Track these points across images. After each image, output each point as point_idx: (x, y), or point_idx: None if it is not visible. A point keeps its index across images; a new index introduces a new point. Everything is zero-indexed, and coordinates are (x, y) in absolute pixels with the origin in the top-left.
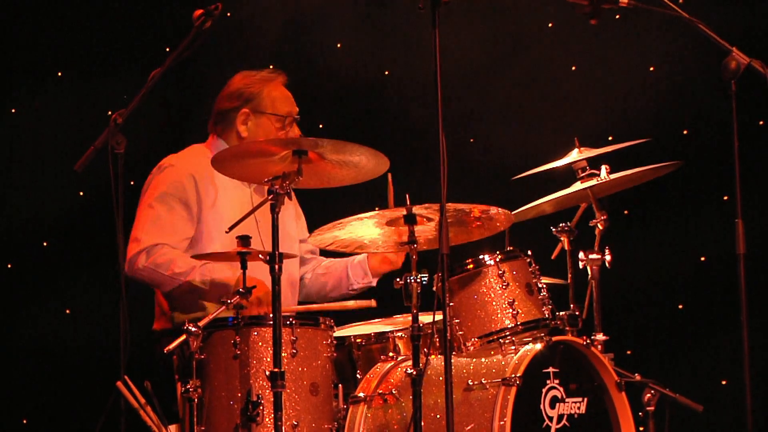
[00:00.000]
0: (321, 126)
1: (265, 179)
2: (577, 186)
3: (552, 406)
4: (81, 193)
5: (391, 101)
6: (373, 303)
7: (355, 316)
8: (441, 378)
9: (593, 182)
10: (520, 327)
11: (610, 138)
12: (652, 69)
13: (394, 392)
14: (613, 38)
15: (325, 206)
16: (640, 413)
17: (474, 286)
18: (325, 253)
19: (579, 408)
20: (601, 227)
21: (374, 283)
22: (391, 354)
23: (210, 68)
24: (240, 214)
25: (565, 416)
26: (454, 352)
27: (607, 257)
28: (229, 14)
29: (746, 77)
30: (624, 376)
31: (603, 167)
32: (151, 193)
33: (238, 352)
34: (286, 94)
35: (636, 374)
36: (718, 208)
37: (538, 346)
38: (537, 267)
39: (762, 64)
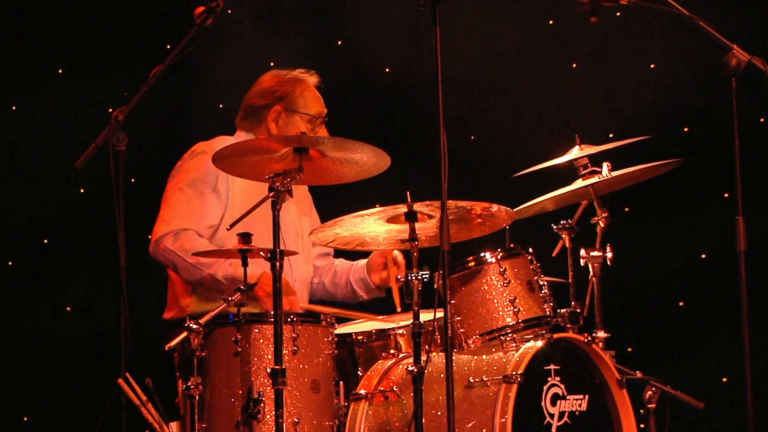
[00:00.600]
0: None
1: (266, 176)
2: (579, 183)
3: (553, 404)
4: (82, 191)
5: (391, 98)
6: (378, 318)
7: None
8: (442, 375)
9: (594, 180)
10: (521, 324)
11: (611, 135)
12: (652, 66)
13: (395, 389)
14: (614, 36)
15: (326, 203)
16: (641, 410)
17: (475, 283)
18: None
19: (580, 405)
20: (602, 224)
21: (383, 294)
22: (392, 351)
23: (211, 66)
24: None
25: (566, 413)
26: (455, 350)
27: (609, 254)
28: (230, 11)
29: (747, 74)
30: (625, 373)
31: (604, 164)
32: (183, 177)
33: (239, 349)
34: (317, 95)
35: (637, 371)
36: (719, 206)
37: (540, 343)
38: (538, 264)
39: (762, 62)
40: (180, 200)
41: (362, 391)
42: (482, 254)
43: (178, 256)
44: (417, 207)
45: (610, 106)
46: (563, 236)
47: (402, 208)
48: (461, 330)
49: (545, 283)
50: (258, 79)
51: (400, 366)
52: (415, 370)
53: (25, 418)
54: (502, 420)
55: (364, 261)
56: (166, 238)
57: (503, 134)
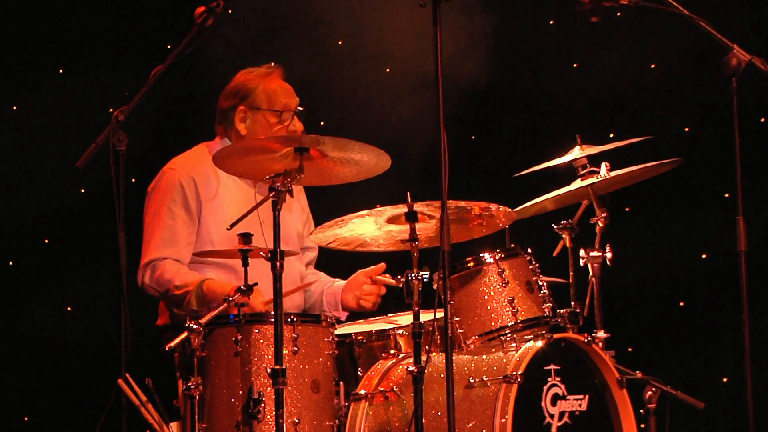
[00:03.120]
0: (322, 123)
1: (267, 176)
2: (578, 183)
3: (553, 404)
4: (82, 190)
5: (392, 98)
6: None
7: (358, 314)
8: (442, 375)
9: (593, 180)
10: (520, 325)
11: (611, 135)
12: (653, 66)
13: (395, 389)
14: (615, 36)
15: (327, 204)
16: (642, 410)
17: (474, 284)
18: (325, 253)
19: (580, 405)
20: (601, 225)
21: (343, 318)
22: (392, 351)
23: (212, 65)
24: (243, 212)
25: (567, 413)
26: (455, 350)
27: (608, 254)
28: (230, 11)
29: (747, 74)
30: (625, 373)
31: (603, 165)
32: (154, 200)
33: (240, 349)
34: (283, 87)
35: (637, 371)
36: (720, 206)
37: (540, 343)
38: (537, 265)
39: (763, 62)
40: (155, 227)
41: (362, 392)
42: (481, 255)
43: (154, 289)
44: (417, 207)
45: (610, 106)
46: (564, 236)
47: (402, 209)
48: (460, 330)
49: (544, 284)
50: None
51: (400, 366)
52: (415, 370)
53: (26, 418)
54: (502, 420)
55: (342, 282)
56: (146, 272)
57: (503, 134)
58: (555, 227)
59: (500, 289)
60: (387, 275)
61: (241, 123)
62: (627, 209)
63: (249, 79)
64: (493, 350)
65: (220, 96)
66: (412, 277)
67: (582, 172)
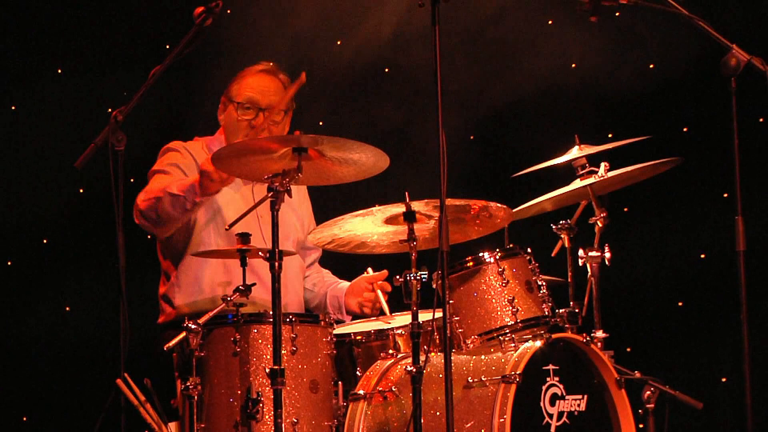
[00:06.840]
0: (321, 123)
1: (265, 176)
2: (577, 183)
3: (552, 404)
4: (81, 190)
5: (390, 98)
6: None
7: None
8: (441, 375)
9: (592, 180)
10: (520, 324)
11: (610, 135)
12: (652, 66)
13: (393, 389)
14: (613, 35)
15: (325, 204)
16: (640, 410)
17: (474, 283)
18: (326, 254)
19: (579, 405)
20: (600, 224)
21: (345, 321)
22: (390, 351)
23: (210, 65)
24: (240, 211)
25: (565, 413)
26: (453, 350)
27: (607, 254)
28: (229, 11)
29: (746, 74)
30: (624, 373)
31: (602, 164)
32: (156, 168)
33: (238, 349)
34: (259, 83)
35: (636, 371)
36: (718, 205)
37: (538, 343)
38: (537, 264)
39: (762, 62)
40: (153, 180)
41: (361, 391)
42: (481, 254)
43: (150, 200)
44: (415, 206)
45: (609, 106)
46: (562, 236)
47: (400, 208)
48: (459, 330)
49: (544, 283)
50: None
51: (399, 366)
52: (414, 370)
53: (24, 418)
54: (501, 420)
55: (346, 283)
56: (136, 202)
57: (502, 134)
58: (554, 227)
59: (500, 289)
60: (386, 295)
61: (221, 114)
62: (626, 209)
63: (241, 72)
64: (492, 350)
65: None
66: (410, 276)
67: (581, 172)
